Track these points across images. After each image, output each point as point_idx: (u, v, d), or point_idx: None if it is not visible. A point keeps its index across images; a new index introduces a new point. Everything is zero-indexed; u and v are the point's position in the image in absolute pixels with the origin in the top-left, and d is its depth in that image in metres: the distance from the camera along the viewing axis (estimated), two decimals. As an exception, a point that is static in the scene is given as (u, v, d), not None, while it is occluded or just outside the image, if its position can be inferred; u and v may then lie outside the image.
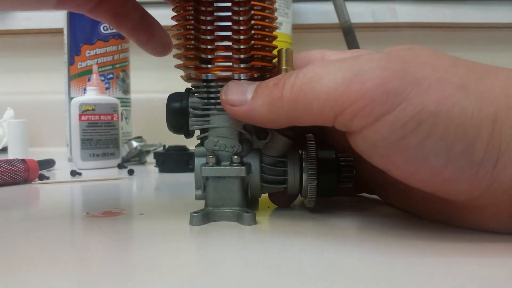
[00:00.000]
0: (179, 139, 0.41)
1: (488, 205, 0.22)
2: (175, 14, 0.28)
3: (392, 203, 0.31)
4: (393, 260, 0.20)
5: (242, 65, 0.27)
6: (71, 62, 0.65)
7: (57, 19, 0.81)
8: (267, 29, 0.27)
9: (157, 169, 0.54)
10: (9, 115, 0.81)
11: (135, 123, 0.71)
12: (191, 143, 0.37)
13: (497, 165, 0.20)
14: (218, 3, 0.26)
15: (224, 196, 0.27)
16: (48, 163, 0.55)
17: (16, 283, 0.17)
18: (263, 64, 0.27)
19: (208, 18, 0.26)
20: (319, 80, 0.22)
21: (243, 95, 0.24)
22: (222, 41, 0.27)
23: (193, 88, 0.28)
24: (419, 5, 0.89)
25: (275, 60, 0.28)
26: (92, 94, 0.57)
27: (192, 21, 0.26)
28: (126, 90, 0.68)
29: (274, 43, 0.28)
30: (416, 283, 0.17)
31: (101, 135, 0.56)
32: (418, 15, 0.89)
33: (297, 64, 0.28)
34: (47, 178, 0.47)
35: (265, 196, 0.30)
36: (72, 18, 0.65)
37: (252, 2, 0.26)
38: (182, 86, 0.29)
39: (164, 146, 0.58)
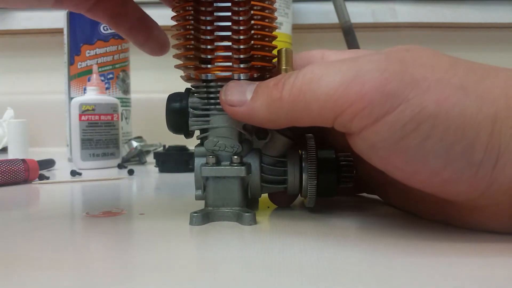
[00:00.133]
0: (179, 139, 0.41)
1: (488, 205, 0.22)
2: (174, 14, 0.28)
3: (392, 203, 0.31)
4: (393, 260, 0.20)
5: (241, 65, 0.27)
6: (71, 62, 0.65)
7: (57, 19, 0.81)
8: (267, 29, 0.27)
9: (157, 169, 0.54)
10: (9, 115, 0.81)
11: (135, 123, 0.71)
12: (191, 143, 0.37)
13: (497, 165, 0.20)
14: (218, 3, 0.26)
15: (224, 196, 0.27)
16: (48, 163, 0.55)
17: (16, 283, 0.17)
18: (263, 64, 0.27)
19: (208, 18, 0.26)
20: (319, 81, 0.22)
21: (242, 96, 0.24)
22: (221, 41, 0.27)
23: (193, 88, 0.28)
24: (419, 5, 0.89)
25: (275, 60, 0.28)
26: (92, 94, 0.57)
27: (192, 21, 0.26)
28: (126, 90, 0.68)
29: (274, 43, 0.28)
30: (416, 283, 0.17)
31: (101, 135, 0.56)
32: (418, 15, 0.89)
33: (297, 64, 0.28)
34: (47, 178, 0.47)
35: (265, 196, 0.30)
36: (72, 18, 0.65)
37: (252, 2, 0.26)
38: (182, 86, 0.29)
39: (164, 146, 0.58)
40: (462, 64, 0.22)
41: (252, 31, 0.27)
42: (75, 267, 0.19)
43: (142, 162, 0.61)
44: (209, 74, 0.27)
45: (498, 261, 0.19)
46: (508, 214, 0.22)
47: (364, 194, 0.35)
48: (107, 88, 0.64)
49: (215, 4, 0.26)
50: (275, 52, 0.28)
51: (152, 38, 0.32)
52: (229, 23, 0.26)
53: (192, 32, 0.26)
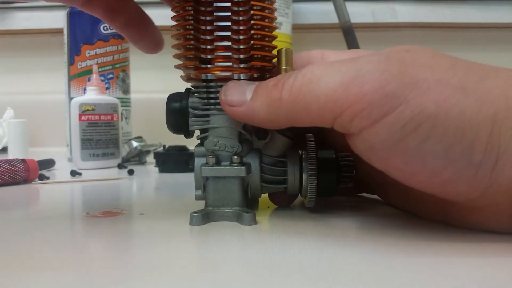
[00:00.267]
0: (179, 139, 0.41)
1: (488, 205, 0.22)
2: (174, 14, 0.28)
3: (392, 203, 0.31)
4: (393, 260, 0.20)
5: (241, 65, 0.27)
6: (71, 62, 0.65)
7: (57, 19, 0.81)
8: (266, 29, 0.27)
9: (157, 169, 0.54)
10: (9, 115, 0.81)
11: (135, 123, 0.71)
12: (191, 143, 0.37)
13: (496, 166, 0.20)
14: (218, 3, 0.26)
15: (224, 196, 0.27)
16: (48, 163, 0.55)
17: (16, 283, 0.17)
18: (262, 64, 0.27)
19: (208, 18, 0.26)
20: (318, 82, 0.22)
21: (242, 96, 0.24)
22: (221, 41, 0.27)
23: (193, 88, 0.28)
24: (419, 5, 0.89)
25: (274, 60, 0.28)
26: (92, 94, 0.57)
27: (192, 21, 0.26)
28: (126, 90, 0.68)
29: (274, 43, 0.28)
30: (416, 283, 0.17)
31: (101, 135, 0.56)
32: (418, 15, 0.89)
33: (297, 64, 0.28)
34: (47, 178, 0.47)
35: (265, 196, 0.30)
36: (72, 18, 0.65)
37: (252, 2, 0.26)
38: (182, 86, 0.29)
39: (164, 146, 0.58)
40: (462, 64, 0.22)
41: (252, 31, 0.27)
42: (75, 267, 0.19)
43: (142, 162, 0.61)
44: (209, 74, 0.27)
45: (498, 261, 0.19)
46: (508, 214, 0.22)
47: (364, 194, 0.35)
48: (107, 88, 0.64)
49: (215, 4, 0.26)
50: (275, 52, 0.28)
51: (147, 36, 0.32)
52: (229, 23, 0.26)
53: (192, 32, 0.26)
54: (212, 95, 0.27)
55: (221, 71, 0.27)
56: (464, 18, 0.89)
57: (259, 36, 0.27)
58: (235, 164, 0.27)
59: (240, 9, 0.26)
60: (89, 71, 0.63)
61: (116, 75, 0.66)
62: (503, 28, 0.91)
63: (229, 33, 0.26)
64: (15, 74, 0.99)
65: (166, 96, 0.28)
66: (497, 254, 0.20)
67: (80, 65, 0.65)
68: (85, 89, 0.61)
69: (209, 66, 0.27)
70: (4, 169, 0.42)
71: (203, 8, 0.26)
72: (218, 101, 0.26)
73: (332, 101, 0.21)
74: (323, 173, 0.27)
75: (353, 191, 0.35)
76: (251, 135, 0.28)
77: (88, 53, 0.64)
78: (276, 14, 0.32)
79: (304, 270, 0.18)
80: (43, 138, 0.91)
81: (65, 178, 0.48)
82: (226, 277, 0.18)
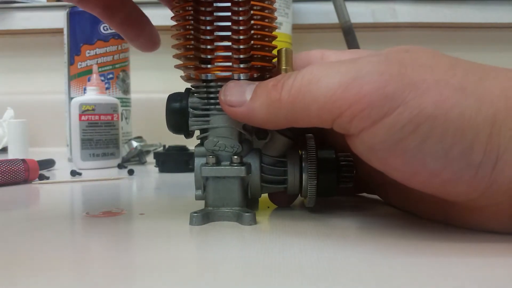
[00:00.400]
0: (179, 139, 0.41)
1: (488, 205, 0.22)
2: (174, 14, 0.28)
3: (392, 203, 0.31)
4: (393, 260, 0.20)
5: (241, 65, 0.27)
6: (71, 62, 0.65)
7: (57, 19, 0.81)
8: (266, 29, 0.27)
9: (157, 169, 0.54)
10: (9, 115, 0.81)
11: (135, 123, 0.71)
12: (191, 143, 0.37)
13: (496, 167, 0.20)
14: (218, 3, 0.26)
15: (224, 196, 0.27)
16: (48, 163, 0.55)
17: (16, 283, 0.17)
18: (262, 64, 0.27)
19: (208, 18, 0.26)
20: (317, 83, 0.22)
21: (241, 96, 0.24)
22: (221, 41, 0.27)
23: (193, 88, 0.28)
24: (419, 5, 0.89)
25: (274, 60, 0.28)
26: (92, 94, 0.57)
27: (192, 21, 0.26)
28: (126, 90, 0.68)
29: (274, 43, 0.28)
30: (416, 283, 0.17)
31: (101, 135, 0.56)
32: (418, 15, 0.89)
33: (297, 64, 0.28)
34: (47, 178, 0.47)
35: (265, 196, 0.30)
36: (72, 18, 0.65)
37: (252, 2, 0.26)
38: (182, 86, 0.29)
39: (164, 146, 0.58)
40: (461, 64, 0.22)
41: (252, 31, 0.27)
42: (75, 267, 0.19)
43: (142, 162, 0.61)
44: (209, 74, 0.27)
45: (498, 261, 0.19)
46: (508, 214, 0.22)
47: (364, 194, 0.35)
48: (107, 88, 0.64)
49: (215, 4, 0.26)
50: (275, 52, 0.28)
51: (144, 34, 0.31)
52: (229, 23, 0.26)
53: (192, 32, 0.26)
54: (212, 95, 0.27)
55: (221, 71, 0.27)
56: (464, 18, 0.89)
57: (259, 36, 0.27)
58: (235, 164, 0.27)
59: (240, 9, 0.26)
60: (89, 71, 0.63)
61: (116, 75, 0.66)
62: (503, 28, 0.91)
63: (229, 33, 0.26)
64: (15, 74, 0.99)
65: (166, 96, 0.28)
66: (497, 254, 0.20)
67: (80, 65, 0.65)
68: (85, 89, 0.61)
69: (209, 66, 0.27)
70: (4, 169, 0.42)
71: (203, 8, 0.26)
72: (218, 101, 0.26)
73: (331, 102, 0.21)
74: (323, 173, 0.27)
75: (353, 191, 0.35)
76: (251, 135, 0.28)
77: (88, 53, 0.64)
78: (276, 14, 0.32)
79: (304, 270, 0.18)
80: (43, 138, 0.91)
81: (65, 178, 0.48)
82: (226, 277, 0.18)
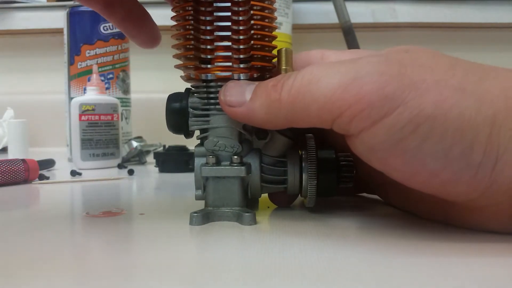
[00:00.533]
0: (179, 139, 0.41)
1: (487, 205, 0.22)
2: (174, 14, 0.28)
3: (392, 203, 0.31)
4: (393, 260, 0.20)
5: (241, 65, 0.27)
6: (71, 62, 0.65)
7: (57, 19, 0.81)
8: (266, 29, 0.27)
9: (157, 169, 0.54)
10: (9, 115, 0.81)
11: (135, 123, 0.71)
12: (191, 143, 0.37)
13: (496, 167, 0.20)
14: (218, 3, 0.26)
15: (224, 196, 0.27)
16: (48, 163, 0.55)
17: (16, 283, 0.17)
18: (262, 64, 0.27)
19: (208, 18, 0.26)
20: (317, 83, 0.22)
21: (241, 96, 0.24)
22: (221, 41, 0.27)
23: (193, 88, 0.28)
24: (419, 5, 0.89)
25: (274, 60, 0.28)
26: (92, 94, 0.57)
27: (192, 21, 0.26)
28: (126, 90, 0.68)
29: (274, 43, 0.28)
30: (416, 283, 0.17)
31: (101, 135, 0.56)
32: (418, 15, 0.89)
33: (297, 64, 0.28)
34: (47, 178, 0.47)
35: (265, 196, 0.30)
36: (72, 18, 0.65)
37: (252, 2, 0.26)
38: (182, 86, 0.29)
39: (164, 146, 0.58)
40: (461, 65, 0.22)
41: (252, 31, 0.27)
42: (75, 267, 0.19)
43: (142, 162, 0.61)
44: (209, 74, 0.27)
45: (498, 261, 0.19)
46: (508, 214, 0.22)
47: (364, 194, 0.35)
48: (107, 88, 0.64)
49: (215, 4, 0.26)
50: (275, 52, 0.28)
51: (144, 30, 0.31)
52: (229, 23, 0.26)
53: (192, 32, 0.26)
54: (212, 95, 0.27)
55: (221, 71, 0.27)
56: (464, 18, 0.89)
57: (259, 36, 0.27)
58: (235, 164, 0.27)
59: (240, 9, 0.26)
60: (89, 71, 0.63)
61: (116, 75, 0.66)
62: (503, 28, 0.90)
63: (229, 33, 0.26)
64: (15, 74, 0.99)
65: (166, 96, 0.28)
66: (497, 254, 0.20)
67: (80, 65, 0.65)
68: (85, 89, 0.61)
69: (209, 66, 0.27)
70: (4, 169, 0.42)
71: (203, 8, 0.26)
72: (218, 101, 0.26)
73: (331, 102, 0.21)
74: (323, 173, 0.27)
75: (353, 191, 0.35)
76: (251, 135, 0.28)
77: (88, 53, 0.64)
78: (276, 14, 0.32)
79: (304, 270, 0.18)
80: (43, 138, 0.90)
81: (65, 178, 0.48)
82: (226, 277, 0.18)
